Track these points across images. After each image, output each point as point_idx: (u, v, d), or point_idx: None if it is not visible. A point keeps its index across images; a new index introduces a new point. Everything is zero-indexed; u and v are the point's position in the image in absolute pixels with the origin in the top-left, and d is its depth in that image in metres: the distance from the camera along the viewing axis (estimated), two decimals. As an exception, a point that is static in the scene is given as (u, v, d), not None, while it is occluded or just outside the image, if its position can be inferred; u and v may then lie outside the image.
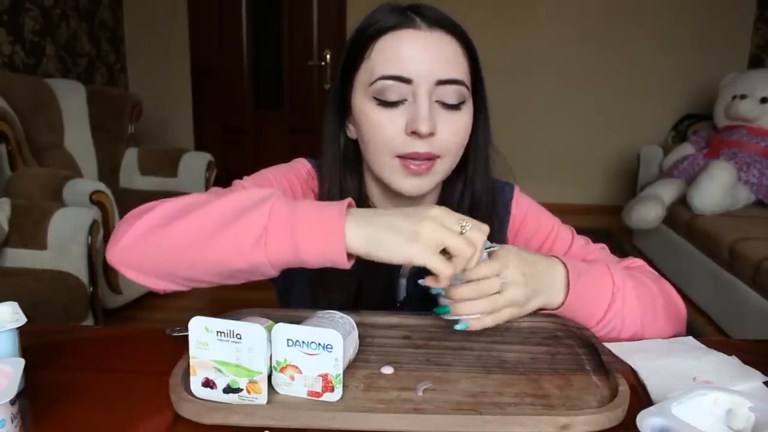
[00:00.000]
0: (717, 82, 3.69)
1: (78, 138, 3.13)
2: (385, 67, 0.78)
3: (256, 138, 4.56)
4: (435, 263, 0.63)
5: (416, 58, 0.77)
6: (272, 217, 0.64)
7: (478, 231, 0.66)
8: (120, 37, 4.42)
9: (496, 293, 0.73)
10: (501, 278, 0.72)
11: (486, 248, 0.74)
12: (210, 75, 4.51)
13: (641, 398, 0.67)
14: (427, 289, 0.72)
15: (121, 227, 0.70)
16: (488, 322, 0.74)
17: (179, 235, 0.66)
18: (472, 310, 0.73)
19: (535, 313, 0.81)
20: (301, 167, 0.93)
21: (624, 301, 0.80)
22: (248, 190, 0.69)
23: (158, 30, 4.45)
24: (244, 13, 4.38)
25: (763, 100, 3.32)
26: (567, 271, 0.78)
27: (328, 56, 4.33)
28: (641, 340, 0.82)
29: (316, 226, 0.63)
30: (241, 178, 0.88)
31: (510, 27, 4.35)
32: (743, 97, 3.36)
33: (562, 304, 0.78)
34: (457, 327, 0.74)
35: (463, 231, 0.65)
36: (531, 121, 4.50)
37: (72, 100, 3.13)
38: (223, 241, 0.64)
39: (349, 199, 0.67)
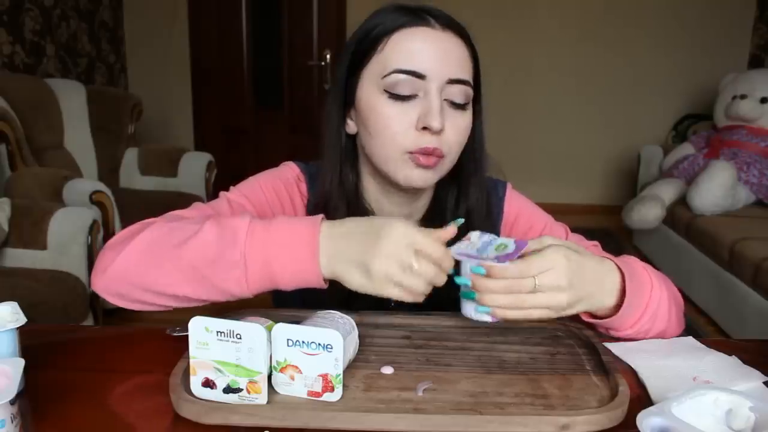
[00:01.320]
0: (717, 82, 3.68)
1: (78, 138, 3.13)
2: (399, 61, 0.79)
3: (256, 138, 4.56)
4: (394, 294, 0.67)
5: (430, 55, 0.78)
6: (248, 264, 0.68)
7: (428, 264, 0.66)
8: (120, 37, 4.42)
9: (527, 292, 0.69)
10: (537, 280, 0.68)
11: (497, 245, 0.70)
12: (210, 75, 4.51)
13: (641, 398, 0.67)
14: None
15: (105, 258, 0.73)
16: (511, 315, 0.70)
17: (158, 275, 0.70)
18: (497, 303, 0.69)
19: (578, 320, 0.80)
20: (289, 171, 0.93)
21: (659, 302, 0.80)
22: (223, 226, 0.70)
23: (158, 30, 4.44)
24: (244, 13, 4.37)
25: (763, 100, 3.31)
26: (622, 276, 0.76)
27: (328, 56, 4.32)
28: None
29: (289, 264, 0.68)
30: (227, 190, 0.89)
31: (510, 27, 4.34)
32: (743, 97, 3.36)
33: (616, 309, 0.75)
34: (479, 309, 0.70)
35: (413, 267, 0.66)
36: (531, 121, 4.50)
37: (72, 100, 3.13)
38: (203, 282, 0.69)
39: (318, 233, 0.68)
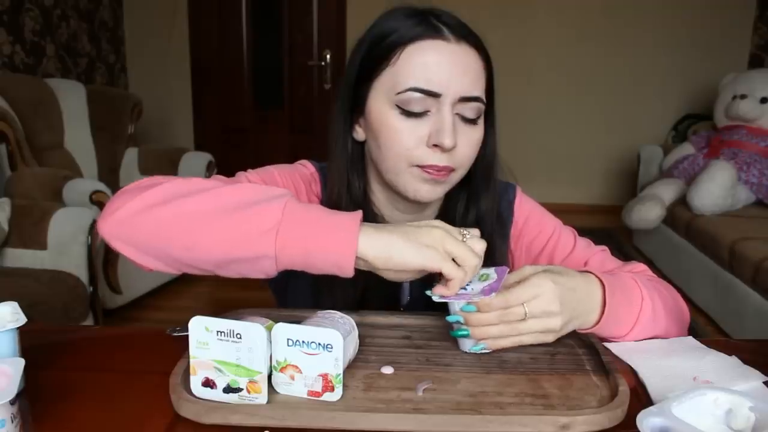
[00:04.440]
0: (717, 82, 3.68)
1: (78, 138, 3.13)
2: (413, 79, 0.77)
3: (256, 138, 4.56)
4: (448, 268, 0.66)
5: (445, 70, 0.77)
6: (286, 212, 0.64)
7: (478, 241, 0.70)
8: (120, 37, 4.42)
9: (518, 320, 0.70)
10: (526, 307, 0.69)
11: (480, 275, 0.73)
12: (210, 75, 4.51)
13: (641, 398, 0.67)
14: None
15: (118, 199, 0.67)
16: (504, 343, 0.72)
17: (183, 213, 0.65)
18: (489, 334, 0.71)
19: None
20: (305, 170, 0.91)
21: (651, 314, 0.79)
22: (262, 186, 0.69)
23: (158, 30, 4.45)
24: (244, 13, 4.38)
25: (763, 100, 3.31)
26: (604, 289, 0.76)
27: (328, 56, 4.33)
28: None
29: (329, 228, 0.64)
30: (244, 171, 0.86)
31: (510, 28, 4.34)
32: (743, 97, 3.36)
33: (597, 323, 0.76)
34: (474, 348, 0.73)
35: (465, 240, 0.69)
36: (531, 121, 4.50)
37: (72, 100, 3.13)
38: (231, 226, 0.64)
39: (360, 211, 0.67)
